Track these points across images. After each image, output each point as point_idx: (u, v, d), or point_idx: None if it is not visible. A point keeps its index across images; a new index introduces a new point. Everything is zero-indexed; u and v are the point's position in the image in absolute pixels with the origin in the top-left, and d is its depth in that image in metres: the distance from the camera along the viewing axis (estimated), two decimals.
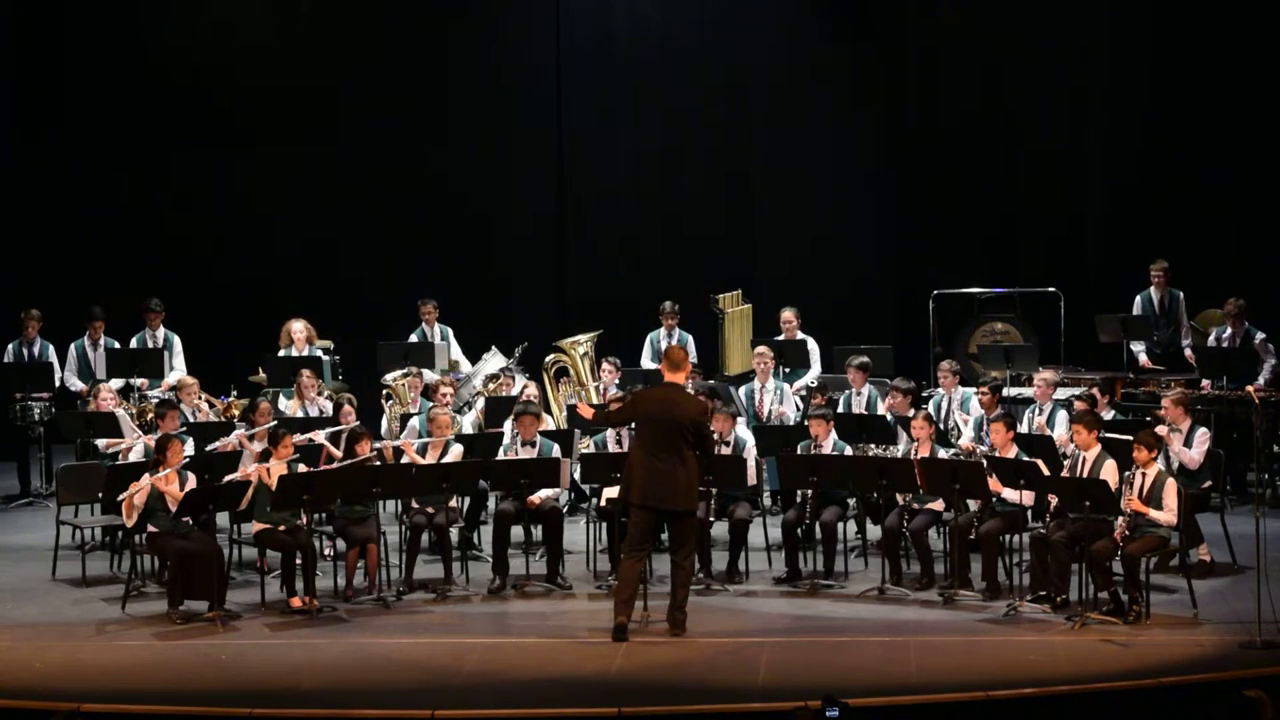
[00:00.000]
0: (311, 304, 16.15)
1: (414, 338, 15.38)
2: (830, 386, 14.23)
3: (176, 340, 15.33)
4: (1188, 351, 14.94)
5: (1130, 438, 11.09)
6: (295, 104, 17.74)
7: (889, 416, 13.03)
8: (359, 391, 14.97)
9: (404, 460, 12.31)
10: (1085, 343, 15.38)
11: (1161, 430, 11.85)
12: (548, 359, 15.40)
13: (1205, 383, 14.13)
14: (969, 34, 17.27)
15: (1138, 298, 15.23)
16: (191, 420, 13.33)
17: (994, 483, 11.34)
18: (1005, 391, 13.68)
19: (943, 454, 11.93)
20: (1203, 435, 12.05)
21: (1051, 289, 15.90)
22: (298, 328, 15.16)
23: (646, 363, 15.19)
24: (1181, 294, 15.15)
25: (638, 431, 10.85)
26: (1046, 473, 11.26)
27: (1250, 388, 13.71)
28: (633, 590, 10.58)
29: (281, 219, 17.82)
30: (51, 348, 15.26)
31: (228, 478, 11.79)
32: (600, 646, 10.47)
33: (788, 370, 14.80)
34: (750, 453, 12.26)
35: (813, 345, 14.97)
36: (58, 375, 15.17)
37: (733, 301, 16.11)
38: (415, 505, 12.08)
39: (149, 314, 15.27)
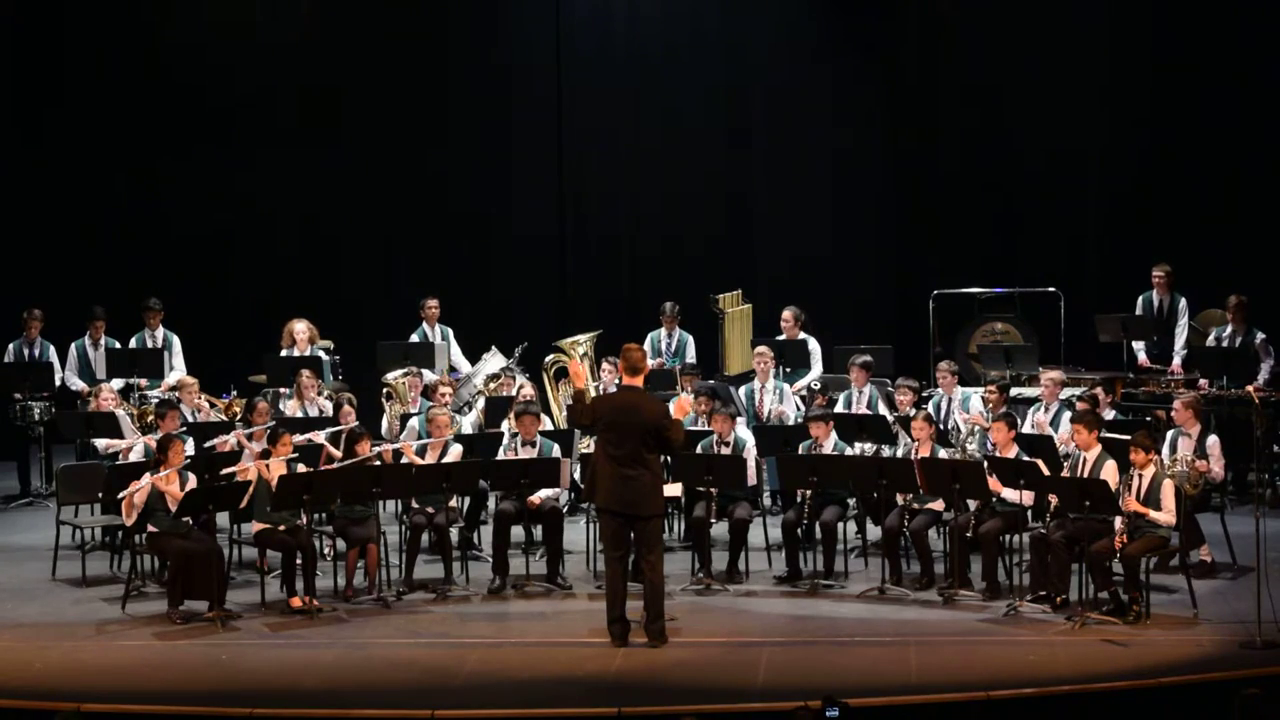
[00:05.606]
0: (312, 304, 16.14)
1: (414, 338, 15.37)
2: (831, 386, 14.23)
3: (176, 340, 15.31)
4: (1176, 360, 14.79)
5: (1129, 438, 11.10)
6: (296, 104, 17.73)
7: (889, 417, 13.02)
8: (359, 391, 14.96)
9: (403, 461, 12.31)
10: (1085, 343, 15.36)
11: (1189, 456, 11.76)
12: (548, 359, 15.38)
13: (1202, 382, 14.12)
14: (969, 34, 17.25)
15: (1139, 299, 15.19)
16: (192, 420, 13.33)
17: (994, 483, 11.35)
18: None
19: (943, 454, 11.94)
20: (1214, 444, 11.99)
21: (1051, 289, 15.89)
22: (300, 328, 15.14)
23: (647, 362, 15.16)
24: (1184, 300, 15.05)
25: (601, 436, 10.65)
26: (1046, 473, 11.26)
27: (1250, 387, 13.70)
28: (621, 601, 10.52)
29: (282, 219, 17.81)
30: (52, 348, 15.24)
31: (224, 471, 11.78)
32: (600, 646, 10.47)
33: (788, 370, 14.79)
34: (750, 453, 12.26)
35: (814, 345, 14.95)
36: (58, 375, 15.16)
37: (733, 301, 16.09)
38: (415, 505, 12.08)
39: (149, 314, 15.25)
